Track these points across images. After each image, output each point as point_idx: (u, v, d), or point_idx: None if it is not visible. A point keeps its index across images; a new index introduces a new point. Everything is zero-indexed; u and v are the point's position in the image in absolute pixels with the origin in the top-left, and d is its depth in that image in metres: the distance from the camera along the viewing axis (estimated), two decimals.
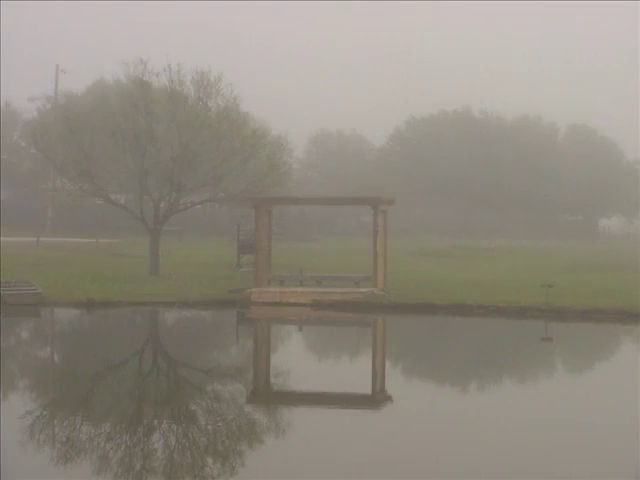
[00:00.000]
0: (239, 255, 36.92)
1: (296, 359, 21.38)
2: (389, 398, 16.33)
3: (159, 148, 34.95)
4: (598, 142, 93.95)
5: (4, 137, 69.82)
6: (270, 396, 16.48)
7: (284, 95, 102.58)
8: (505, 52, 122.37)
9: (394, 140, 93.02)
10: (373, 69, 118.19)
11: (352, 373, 19.26)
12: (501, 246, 55.87)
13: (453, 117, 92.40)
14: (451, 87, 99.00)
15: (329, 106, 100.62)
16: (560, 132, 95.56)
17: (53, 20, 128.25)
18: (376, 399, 16.38)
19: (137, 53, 37.59)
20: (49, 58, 76.50)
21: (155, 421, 14.21)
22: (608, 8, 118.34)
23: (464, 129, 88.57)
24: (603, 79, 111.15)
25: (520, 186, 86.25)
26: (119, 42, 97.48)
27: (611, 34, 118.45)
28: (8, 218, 59.43)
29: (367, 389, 17.21)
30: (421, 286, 30.80)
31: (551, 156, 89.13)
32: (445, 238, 64.47)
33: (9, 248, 41.66)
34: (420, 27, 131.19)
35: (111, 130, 34.62)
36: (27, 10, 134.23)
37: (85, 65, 70.25)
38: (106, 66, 50.45)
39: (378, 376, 18.73)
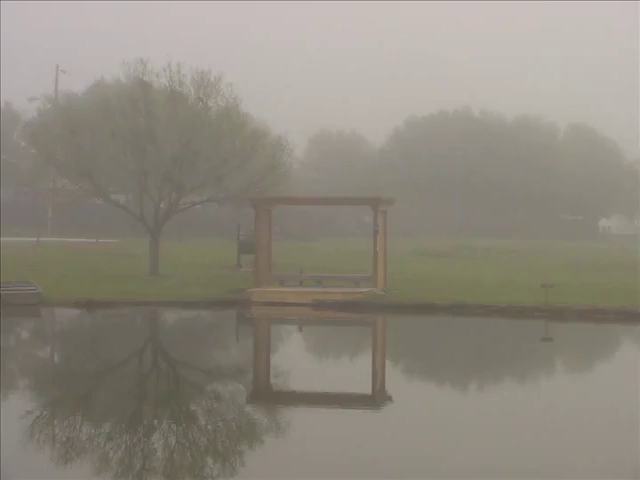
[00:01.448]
0: (239, 255, 36.91)
1: (296, 359, 21.38)
2: (389, 398, 16.32)
3: (159, 148, 34.95)
4: (598, 142, 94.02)
5: (4, 137, 69.82)
6: (270, 396, 16.48)
7: (284, 95, 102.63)
8: (505, 52, 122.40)
9: (394, 140, 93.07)
10: (373, 69, 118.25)
11: (352, 373, 19.26)
12: (501, 246, 55.85)
13: (453, 117, 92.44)
14: (451, 87, 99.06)
15: (329, 106, 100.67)
16: (560, 132, 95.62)
17: (53, 20, 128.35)
18: (376, 399, 16.38)
19: (137, 53, 37.48)
20: (49, 58, 76.56)
21: (155, 421, 14.21)
22: (608, 8, 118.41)
23: (464, 129, 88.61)
24: (603, 79, 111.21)
25: (520, 186, 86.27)
26: (119, 42, 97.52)
27: (611, 34, 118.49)
28: (8, 218, 59.46)
29: (367, 389, 17.21)
30: (421, 286, 30.80)
31: (551, 156, 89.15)
32: (445, 238, 64.48)
33: (9, 248, 41.69)
34: (420, 27, 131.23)
35: (111, 130, 34.62)
36: (27, 10, 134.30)
37: (85, 65, 70.21)
38: (106, 66, 50.43)
39: (378, 376, 18.73)
